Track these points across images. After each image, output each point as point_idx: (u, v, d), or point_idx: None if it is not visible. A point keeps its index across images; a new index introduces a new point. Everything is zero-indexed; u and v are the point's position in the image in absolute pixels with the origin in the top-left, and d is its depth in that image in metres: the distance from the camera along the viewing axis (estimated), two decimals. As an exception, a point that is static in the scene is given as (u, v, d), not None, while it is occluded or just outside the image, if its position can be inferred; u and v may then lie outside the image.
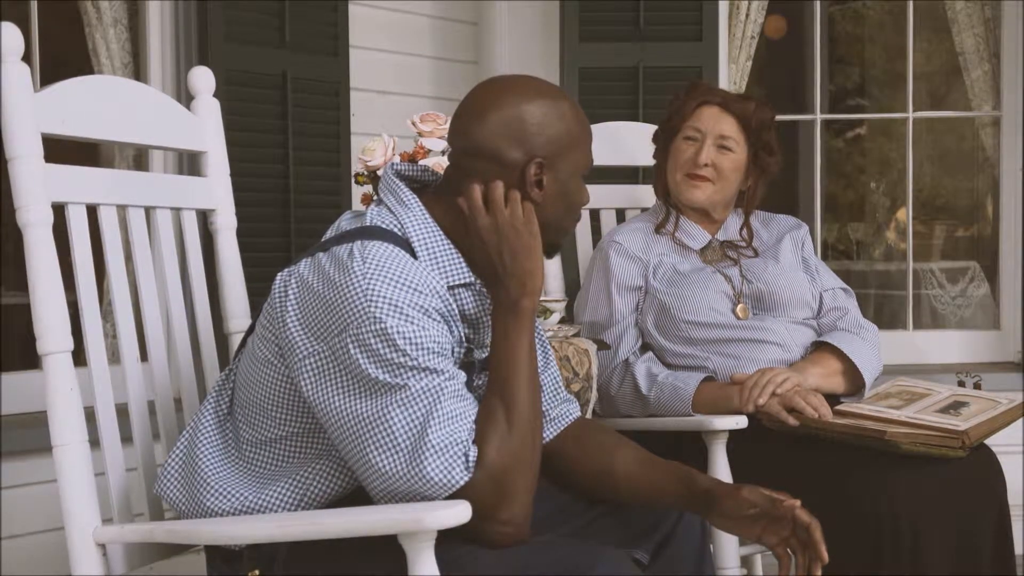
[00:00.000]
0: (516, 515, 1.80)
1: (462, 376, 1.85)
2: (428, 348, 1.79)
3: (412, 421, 1.77)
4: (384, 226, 1.91)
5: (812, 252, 3.09)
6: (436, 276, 1.88)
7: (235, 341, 2.35)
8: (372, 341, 1.77)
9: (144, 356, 2.17)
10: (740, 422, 2.66)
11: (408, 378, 1.78)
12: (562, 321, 2.86)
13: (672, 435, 2.74)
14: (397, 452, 1.77)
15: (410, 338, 1.78)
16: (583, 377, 2.70)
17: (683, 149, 2.96)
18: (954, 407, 2.72)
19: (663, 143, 3.04)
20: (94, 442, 1.95)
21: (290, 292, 1.87)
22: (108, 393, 2.04)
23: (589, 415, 2.78)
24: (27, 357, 2.44)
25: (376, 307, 1.78)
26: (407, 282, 1.81)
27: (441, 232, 1.93)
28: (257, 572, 1.90)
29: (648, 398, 2.82)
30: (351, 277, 1.80)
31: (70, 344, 1.93)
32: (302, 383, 1.84)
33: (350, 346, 1.79)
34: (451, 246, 1.93)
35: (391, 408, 1.78)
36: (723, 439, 2.67)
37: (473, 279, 1.93)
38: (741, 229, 3.02)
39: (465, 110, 1.96)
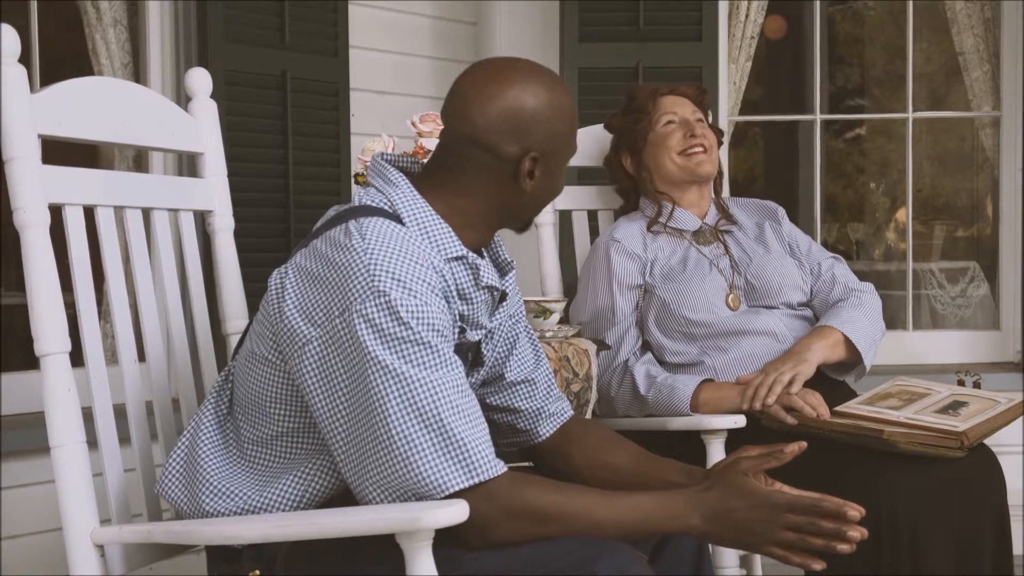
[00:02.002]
0: (484, 543, 1.79)
1: (461, 366, 1.84)
2: (431, 324, 1.79)
3: (411, 412, 1.76)
4: (373, 204, 1.93)
5: (792, 229, 3.13)
6: (429, 249, 1.89)
7: (233, 342, 2.34)
8: (376, 315, 1.77)
9: (142, 357, 2.17)
10: (738, 421, 2.67)
11: (410, 357, 1.77)
12: (562, 321, 2.86)
13: (665, 437, 2.74)
14: (391, 442, 1.75)
15: (413, 311, 1.78)
16: (583, 377, 2.70)
17: (669, 133, 3.03)
18: (953, 407, 2.72)
19: (636, 145, 3.07)
20: (92, 443, 1.95)
21: (288, 284, 1.87)
22: (106, 394, 2.04)
23: (589, 415, 2.78)
24: (27, 357, 2.44)
25: (379, 280, 1.78)
26: (407, 255, 1.82)
27: (430, 208, 1.94)
28: (257, 572, 1.90)
29: (646, 399, 2.82)
30: (352, 254, 1.81)
31: (68, 345, 1.93)
32: (303, 372, 1.83)
33: (355, 322, 1.78)
34: (441, 221, 1.93)
35: (390, 395, 1.76)
36: (721, 438, 2.68)
37: (465, 252, 1.94)
38: (716, 202, 3.09)
39: (465, 95, 1.95)
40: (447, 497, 1.76)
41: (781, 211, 3.15)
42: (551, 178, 1.99)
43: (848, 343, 2.86)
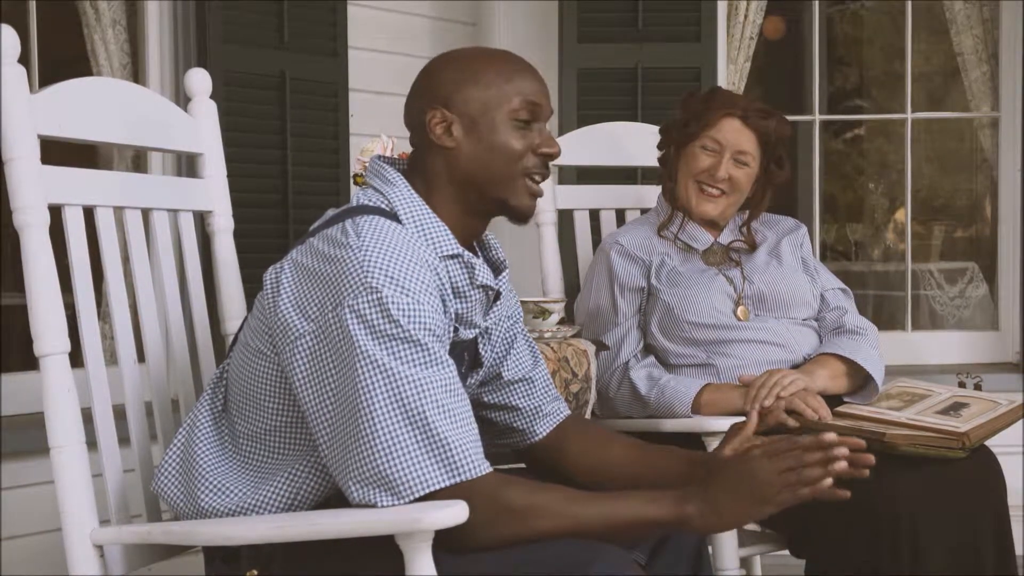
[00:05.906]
0: (468, 543, 1.78)
1: (453, 366, 1.84)
2: (422, 323, 1.80)
3: (396, 407, 1.76)
4: (371, 203, 1.94)
5: (810, 252, 3.11)
6: (425, 247, 1.90)
7: (232, 343, 2.35)
8: (367, 311, 1.78)
9: (141, 357, 2.17)
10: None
11: (399, 353, 1.77)
12: (561, 322, 2.86)
13: (664, 438, 2.74)
14: (375, 436, 1.75)
15: (404, 309, 1.79)
16: (582, 378, 2.70)
17: (698, 157, 2.94)
18: (954, 408, 2.72)
19: (675, 146, 3.01)
20: (91, 443, 1.95)
21: (283, 278, 1.88)
22: (105, 394, 2.04)
23: (588, 416, 2.78)
24: (27, 358, 2.44)
25: (372, 278, 1.79)
26: (404, 253, 1.83)
27: (426, 205, 1.95)
28: (255, 572, 1.90)
29: (648, 400, 2.82)
30: (348, 251, 1.82)
31: (67, 346, 1.93)
32: (294, 366, 1.84)
33: (346, 317, 1.78)
34: (437, 219, 1.95)
35: (376, 390, 1.76)
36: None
37: (461, 250, 1.95)
38: (741, 227, 3.03)
39: None
40: (427, 495, 1.75)
41: (803, 230, 3.11)
42: (482, 136, 1.95)
43: (851, 375, 2.85)
